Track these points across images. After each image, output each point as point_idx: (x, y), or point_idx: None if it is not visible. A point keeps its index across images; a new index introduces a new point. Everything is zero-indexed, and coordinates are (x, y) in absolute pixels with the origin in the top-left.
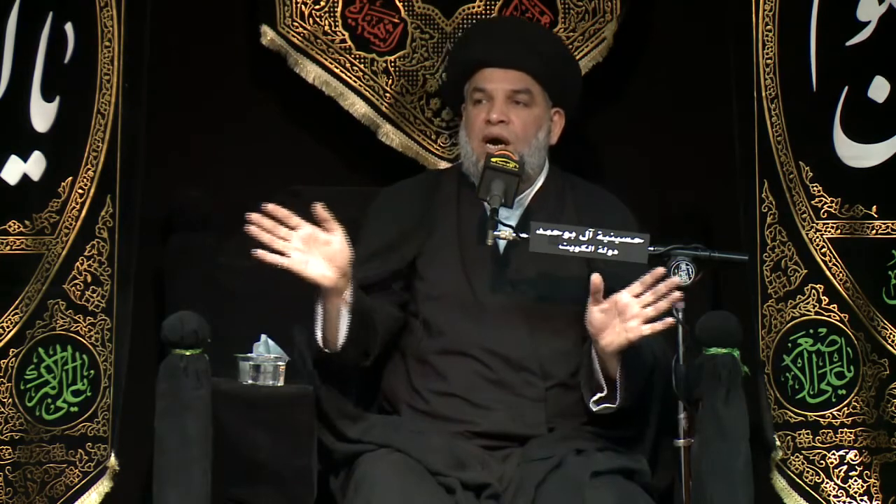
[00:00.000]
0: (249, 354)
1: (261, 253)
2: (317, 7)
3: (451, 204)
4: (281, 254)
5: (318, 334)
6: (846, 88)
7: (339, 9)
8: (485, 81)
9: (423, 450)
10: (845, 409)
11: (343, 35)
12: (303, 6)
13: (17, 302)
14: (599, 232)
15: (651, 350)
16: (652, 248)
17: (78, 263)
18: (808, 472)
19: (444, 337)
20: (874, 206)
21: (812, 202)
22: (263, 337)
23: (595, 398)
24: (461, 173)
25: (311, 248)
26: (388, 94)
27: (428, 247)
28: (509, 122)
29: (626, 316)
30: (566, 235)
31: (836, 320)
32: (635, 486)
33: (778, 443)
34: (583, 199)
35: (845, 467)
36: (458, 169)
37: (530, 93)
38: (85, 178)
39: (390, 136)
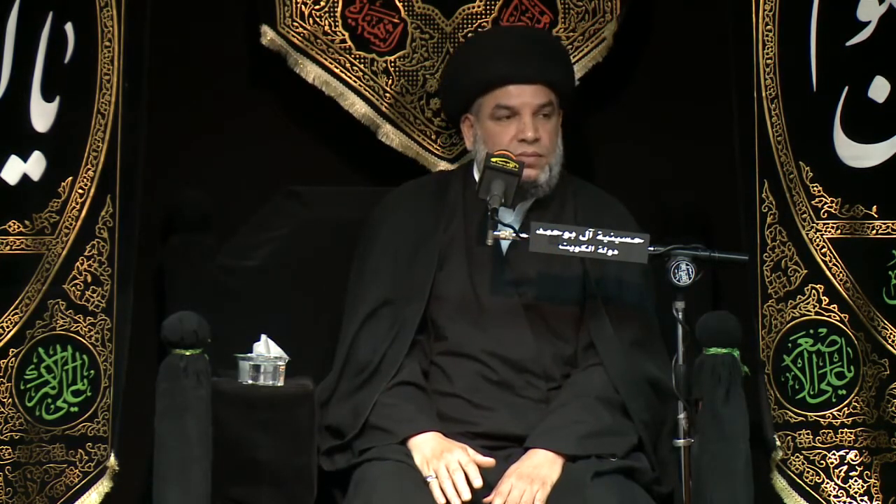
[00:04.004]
0: (249, 354)
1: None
2: (317, 7)
3: (459, 206)
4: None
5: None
6: (846, 88)
7: (339, 9)
8: (509, 98)
9: None
10: (845, 409)
11: (343, 35)
12: (303, 6)
13: (17, 302)
14: (599, 232)
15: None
16: (652, 248)
17: (78, 263)
18: (808, 472)
19: (447, 338)
20: (874, 206)
21: (812, 202)
22: (263, 337)
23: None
24: (466, 177)
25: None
26: (388, 94)
27: (441, 248)
28: (539, 138)
29: None
30: (566, 235)
31: (837, 320)
32: (636, 486)
33: (778, 443)
34: (586, 205)
35: (845, 467)
36: (463, 172)
37: (552, 104)
38: (85, 178)
39: (390, 136)
